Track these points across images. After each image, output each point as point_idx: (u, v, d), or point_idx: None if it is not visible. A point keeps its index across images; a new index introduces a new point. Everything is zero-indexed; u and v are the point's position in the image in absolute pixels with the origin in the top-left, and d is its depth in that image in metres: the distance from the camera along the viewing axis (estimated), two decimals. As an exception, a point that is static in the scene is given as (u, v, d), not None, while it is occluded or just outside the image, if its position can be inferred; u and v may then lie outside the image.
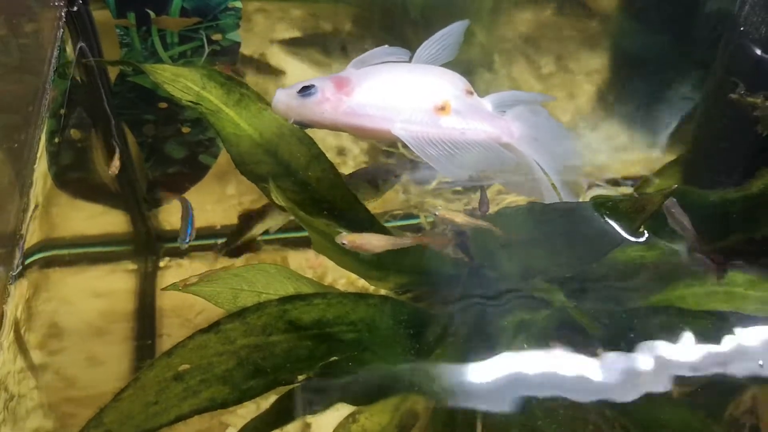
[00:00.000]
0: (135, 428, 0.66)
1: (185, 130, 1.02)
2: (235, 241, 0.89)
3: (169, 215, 0.95)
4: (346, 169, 0.99)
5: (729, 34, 1.12)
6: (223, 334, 0.70)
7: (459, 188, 0.97)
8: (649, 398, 0.75)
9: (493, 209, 0.96)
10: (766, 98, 0.98)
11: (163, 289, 0.87)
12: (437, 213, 0.80)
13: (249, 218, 0.89)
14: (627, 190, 0.96)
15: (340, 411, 0.73)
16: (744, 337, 0.78)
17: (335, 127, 0.72)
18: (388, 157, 1.01)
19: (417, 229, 0.93)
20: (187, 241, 0.86)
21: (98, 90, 1.07)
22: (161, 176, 0.99)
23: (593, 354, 0.76)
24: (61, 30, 1.09)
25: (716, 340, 0.77)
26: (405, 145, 0.70)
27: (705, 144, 1.03)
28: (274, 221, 0.88)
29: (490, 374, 0.75)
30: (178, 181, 0.96)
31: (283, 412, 0.73)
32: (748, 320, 0.78)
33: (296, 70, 1.14)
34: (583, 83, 1.13)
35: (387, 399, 0.74)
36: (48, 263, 0.89)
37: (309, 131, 0.84)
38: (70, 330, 0.84)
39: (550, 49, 1.18)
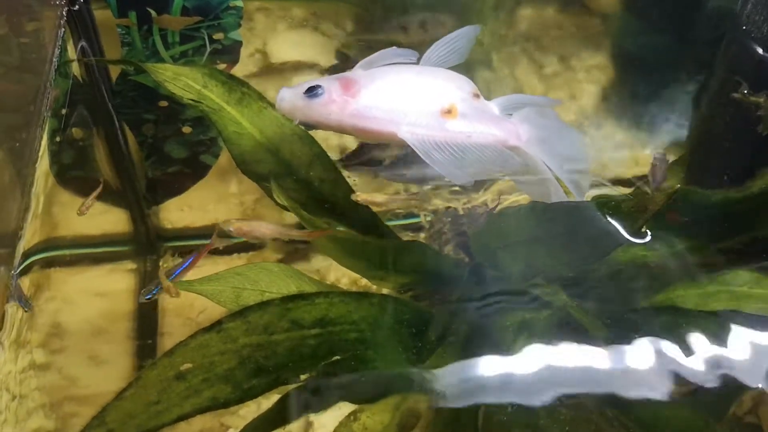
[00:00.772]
0: (137, 427, 0.66)
1: (186, 129, 1.02)
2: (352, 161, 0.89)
3: (170, 214, 0.95)
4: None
5: (731, 33, 1.12)
6: (225, 333, 0.70)
7: (456, 188, 0.97)
8: (650, 398, 0.75)
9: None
10: (768, 97, 0.98)
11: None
12: (357, 198, 0.80)
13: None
14: (628, 190, 0.96)
15: (342, 410, 0.73)
16: (747, 337, 0.78)
17: (341, 129, 0.72)
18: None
19: (418, 228, 0.93)
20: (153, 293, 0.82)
21: (99, 89, 1.07)
22: (162, 175, 0.99)
23: (595, 353, 0.76)
24: (62, 29, 1.09)
25: (718, 339, 0.77)
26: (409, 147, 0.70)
27: (707, 143, 1.03)
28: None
29: (491, 373, 0.75)
30: (180, 181, 0.96)
31: (285, 411, 0.73)
32: (750, 319, 0.78)
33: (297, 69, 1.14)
34: (584, 82, 1.13)
35: (388, 398, 0.74)
36: (49, 263, 0.89)
37: (311, 130, 0.84)
38: (71, 329, 0.84)
39: (551, 48, 1.17)
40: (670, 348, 0.76)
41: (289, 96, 0.70)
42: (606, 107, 1.11)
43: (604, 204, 0.84)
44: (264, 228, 0.78)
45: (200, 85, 0.85)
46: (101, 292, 0.87)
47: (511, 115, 0.74)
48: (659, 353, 0.76)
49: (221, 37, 1.13)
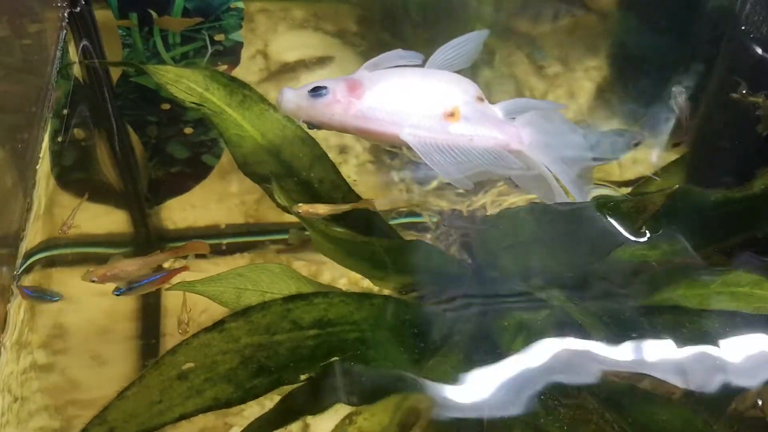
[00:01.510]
0: (139, 427, 0.66)
1: (188, 130, 1.02)
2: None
3: (172, 214, 0.96)
4: (347, 168, 0.99)
5: (730, 32, 1.12)
6: (228, 333, 0.71)
7: (460, 189, 0.97)
8: (650, 398, 0.76)
9: (493, 210, 0.96)
10: (767, 97, 0.98)
11: (167, 290, 0.87)
12: (299, 211, 0.79)
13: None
14: (627, 190, 0.96)
15: (340, 411, 0.74)
16: (747, 337, 0.78)
17: (343, 130, 0.72)
18: (392, 158, 1.02)
19: (421, 227, 0.94)
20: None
21: (101, 91, 1.08)
22: (164, 176, 0.99)
23: (594, 353, 0.77)
24: (64, 31, 1.09)
25: (719, 339, 0.77)
26: (410, 149, 0.70)
27: (706, 143, 1.03)
28: None
29: (492, 373, 0.75)
30: (182, 182, 0.96)
31: (287, 411, 0.73)
32: (751, 319, 0.78)
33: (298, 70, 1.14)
34: (584, 82, 1.13)
35: (387, 399, 0.74)
36: (51, 263, 0.89)
37: (311, 131, 0.84)
38: (73, 329, 0.84)
39: (551, 47, 1.18)
40: (669, 347, 0.77)
41: (293, 96, 0.71)
42: (605, 107, 1.11)
43: (604, 204, 0.85)
44: (129, 266, 0.79)
45: (202, 88, 0.85)
46: (103, 292, 0.87)
47: (514, 119, 0.74)
48: (659, 353, 0.76)
49: (222, 39, 1.13)
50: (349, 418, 0.73)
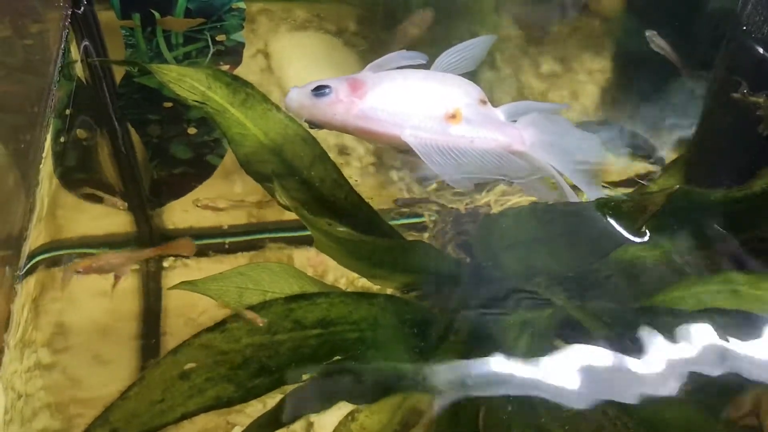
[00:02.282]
0: (141, 426, 0.67)
1: (191, 130, 1.03)
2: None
3: (173, 215, 0.96)
4: (349, 169, 1.00)
5: (731, 33, 1.12)
6: (229, 333, 0.71)
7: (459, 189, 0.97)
8: (651, 397, 0.76)
9: (496, 210, 0.96)
10: (768, 97, 0.99)
11: (168, 289, 0.87)
12: (198, 204, 0.83)
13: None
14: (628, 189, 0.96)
15: (342, 409, 0.74)
16: (746, 337, 0.78)
17: (345, 130, 0.72)
18: (393, 158, 1.02)
19: (421, 227, 0.94)
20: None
21: (103, 91, 1.08)
22: (167, 176, 1.00)
23: (594, 352, 0.77)
24: (66, 31, 1.10)
25: (719, 339, 0.78)
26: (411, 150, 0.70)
27: (707, 143, 1.03)
28: None
29: (493, 372, 0.75)
30: (184, 181, 0.97)
31: (288, 411, 0.73)
32: (751, 319, 0.78)
33: (299, 70, 1.14)
34: (586, 83, 1.13)
35: (389, 397, 0.74)
36: (54, 263, 0.89)
37: (313, 131, 0.85)
38: (76, 329, 0.84)
39: (553, 48, 1.18)
40: (670, 347, 0.77)
41: (296, 95, 0.71)
42: (607, 107, 1.11)
43: (604, 204, 0.85)
44: (114, 258, 0.79)
45: (204, 87, 0.86)
46: (106, 292, 0.88)
47: (515, 121, 0.74)
48: (659, 352, 0.76)
49: (224, 39, 1.13)
50: (351, 415, 0.73)
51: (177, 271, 0.90)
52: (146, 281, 0.90)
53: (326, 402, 0.73)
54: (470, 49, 0.76)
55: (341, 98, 0.70)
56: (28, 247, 0.89)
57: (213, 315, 0.76)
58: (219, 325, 0.71)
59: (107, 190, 0.96)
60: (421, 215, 0.95)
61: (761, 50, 1.07)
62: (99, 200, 0.92)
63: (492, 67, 1.14)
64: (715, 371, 0.76)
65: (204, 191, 0.97)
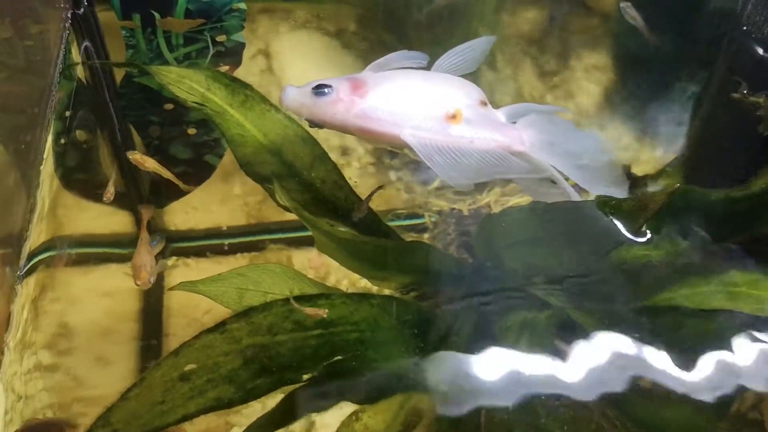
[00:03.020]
0: (141, 427, 0.67)
1: (191, 131, 1.03)
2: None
3: (174, 216, 0.96)
4: (350, 170, 1.00)
5: (731, 33, 1.12)
6: (229, 334, 0.71)
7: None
8: (652, 397, 0.76)
9: (496, 210, 0.96)
10: (768, 97, 0.99)
11: (170, 289, 0.87)
12: (130, 156, 0.89)
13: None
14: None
15: (344, 410, 0.74)
16: (746, 337, 0.78)
17: (345, 129, 0.72)
18: (392, 158, 1.02)
19: (421, 228, 0.94)
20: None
21: (104, 91, 1.08)
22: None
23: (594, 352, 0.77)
24: (67, 32, 1.10)
25: (719, 339, 0.78)
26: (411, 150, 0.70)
27: (707, 143, 1.03)
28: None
29: (493, 372, 0.76)
30: (183, 182, 0.97)
31: (289, 411, 0.73)
32: (751, 319, 0.78)
33: (300, 71, 1.14)
34: (585, 83, 1.13)
35: (391, 398, 0.75)
36: (55, 263, 0.89)
37: (312, 132, 0.85)
38: (77, 329, 0.84)
39: (553, 48, 1.18)
40: (670, 347, 0.77)
41: (296, 93, 0.71)
42: (607, 107, 1.11)
43: (605, 203, 0.85)
44: (146, 257, 0.84)
45: (204, 88, 0.86)
46: (106, 293, 0.88)
47: (515, 122, 0.74)
48: (659, 352, 0.77)
49: (224, 39, 1.13)
50: (355, 415, 0.73)
51: (178, 271, 0.90)
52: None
53: (327, 402, 0.73)
54: (471, 50, 0.76)
55: (342, 97, 0.70)
56: (28, 248, 0.89)
57: (216, 315, 0.76)
58: (219, 326, 0.71)
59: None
60: (421, 216, 0.95)
61: (761, 50, 1.07)
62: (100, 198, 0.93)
63: (492, 67, 1.14)
64: (714, 371, 0.76)
65: (203, 192, 0.97)
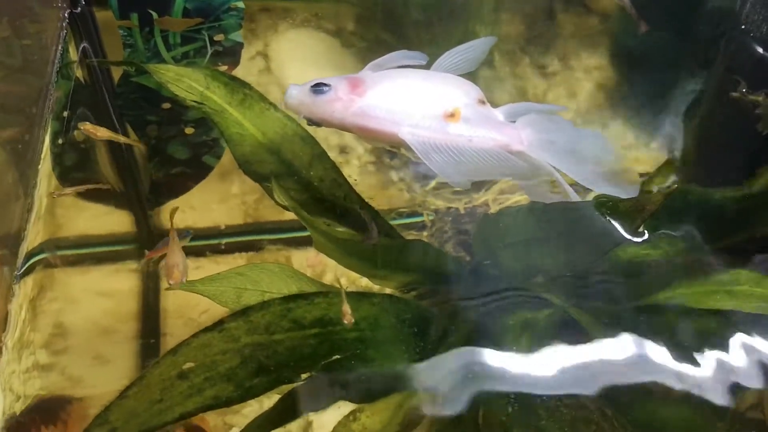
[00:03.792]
0: (140, 426, 0.67)
1: (189, 130, 1.03)
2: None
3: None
4: (349, 169, 1.00)
5: (730, 32, 1.12)
6: (227, 333, 0.71)
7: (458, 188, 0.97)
8: (651, 397, 0.76)
9: (494, 209, 0.96)
10: (767, 96, 0.98)
11: (167, 289, 0.87)
12: (80, 127, 0.90)
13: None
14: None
15: (342, 409, 0.74)
16: (746, 336, 0.78)
17: (343, 127, 0.72)
18: (392, 158, 1.02)
19: (422, 226, 0.94)
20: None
21: (101, 91, 1.08)
22: (165, 177, 0.99)
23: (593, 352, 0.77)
24: (64, 31, 1.10)
25: (718, 339, 0.78)
26: (409, 149, 0.70)
27: (706, 142, 1.03)
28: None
29: (493, 372, 0.75)
30: (182, 182, 0.97)
31: (287, 410, 0.73)
32: (750, 318, 0.78)
33: (298, 70, 1.14)
34: (584, 82, 1.13)
35: (390, 397, 0.74)
36: (52, 263, 0.89)
37: (312, 130, 0.85)
38: (75, 329, 0.84)
39: (552, 47, 1.18)
40: (669, 347, 0.77)
41: (296, 92, 0.71)
42: (606, 106, 1.11)
43: (603, 203, 0.85)
44: (178, 255, 0.82)
45: (203, 87, 0.86)
46: (105, 292, 0.88)
47: (514, 121, 0.74)
48: (659, 352, 0.76)
49: (222, 39, 1.13)
50: (353, 415, 0.73)
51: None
52: (145, 281, 0.90)
53: (324, 402, 0.73)
54: (471, 50, 0.76)
55: (340, 96, 0.70)
56: (26, 247, 0.89)
57: (213, 315, 0.76)
58: (217, 325, 0.71)
59: (107, 190, 0.97)
60: (420, 214, 0.95)
61: (760, 49, 1.07)
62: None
63: (490, 66, 1.14)
64: (714, 371, 0.76)
65: (201, 191, 0.97)
